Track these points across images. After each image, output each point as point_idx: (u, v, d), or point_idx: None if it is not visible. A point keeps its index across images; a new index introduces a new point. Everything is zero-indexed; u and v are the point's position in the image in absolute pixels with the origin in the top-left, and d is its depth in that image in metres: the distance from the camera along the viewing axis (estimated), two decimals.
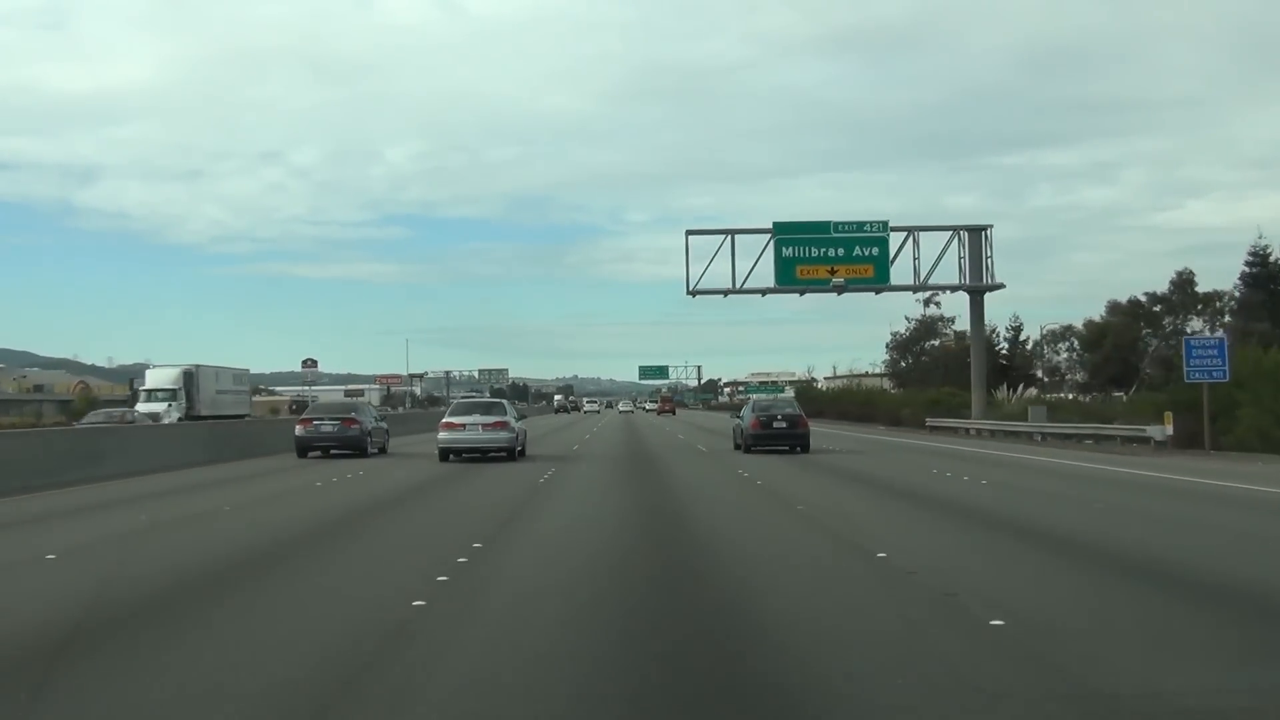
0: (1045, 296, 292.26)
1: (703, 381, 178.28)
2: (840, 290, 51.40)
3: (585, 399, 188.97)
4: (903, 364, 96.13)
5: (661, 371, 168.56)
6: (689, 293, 51.64)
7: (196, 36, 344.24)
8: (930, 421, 57.10)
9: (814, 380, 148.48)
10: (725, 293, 52.51)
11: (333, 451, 34.06)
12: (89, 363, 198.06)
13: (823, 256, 50.75)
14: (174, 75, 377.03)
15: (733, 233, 52.01)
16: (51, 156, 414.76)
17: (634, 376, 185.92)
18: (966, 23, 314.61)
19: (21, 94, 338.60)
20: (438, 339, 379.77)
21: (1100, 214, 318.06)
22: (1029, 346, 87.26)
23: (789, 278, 51.10)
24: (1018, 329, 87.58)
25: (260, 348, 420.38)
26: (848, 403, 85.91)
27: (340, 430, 34.00)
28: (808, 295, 54.11)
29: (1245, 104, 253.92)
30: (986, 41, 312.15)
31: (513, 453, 30.70)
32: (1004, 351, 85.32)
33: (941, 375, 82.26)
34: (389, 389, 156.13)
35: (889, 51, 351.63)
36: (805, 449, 34.05)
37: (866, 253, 50.90)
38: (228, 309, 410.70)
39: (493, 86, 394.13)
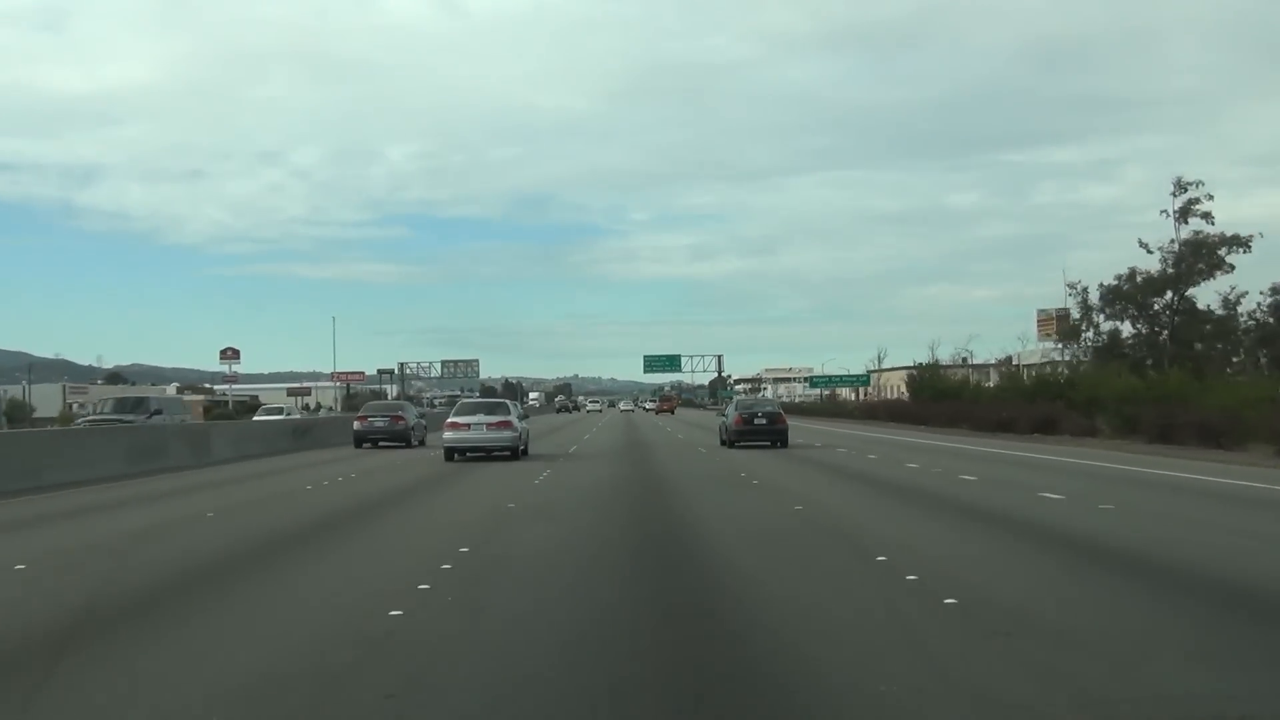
0: (1045, 295, 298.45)
1: (722, 375, 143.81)
2: None
3: (588, 398, 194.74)
4: (1095, 337, 58.56)
5: (671, 363, 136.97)
6: None
7: (196, 36, 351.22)
8: None
9: (936, 364, 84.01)
10: None
11: (381, 443, 41.35)
12: (84, 364, 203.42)
13: None
14: (174, 75, 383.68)
15: None
16: (52, 157, 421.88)
17: (636, 376, 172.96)
18: (968, 19, 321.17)
19: (21, 94, 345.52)
20: (437, 340, 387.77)
21: (1102, 211, 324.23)
22: None
23: None
24: None
25: (261, 348, 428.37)
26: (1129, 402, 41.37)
27: (389, 425, 41.60)
28: None
29: (1247, 100, 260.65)
30: (988, 38, 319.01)
31: (516, 451, 32.68)
32: None
33: (1256, 343, 53.20)
34: (349, 387, 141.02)
35: (891, 48, 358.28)
36: (784, 444, 38.11)
37: None
38: (229, 310, 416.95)
39: (494, 85, 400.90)
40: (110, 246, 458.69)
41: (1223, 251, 54.85)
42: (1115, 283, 57.31)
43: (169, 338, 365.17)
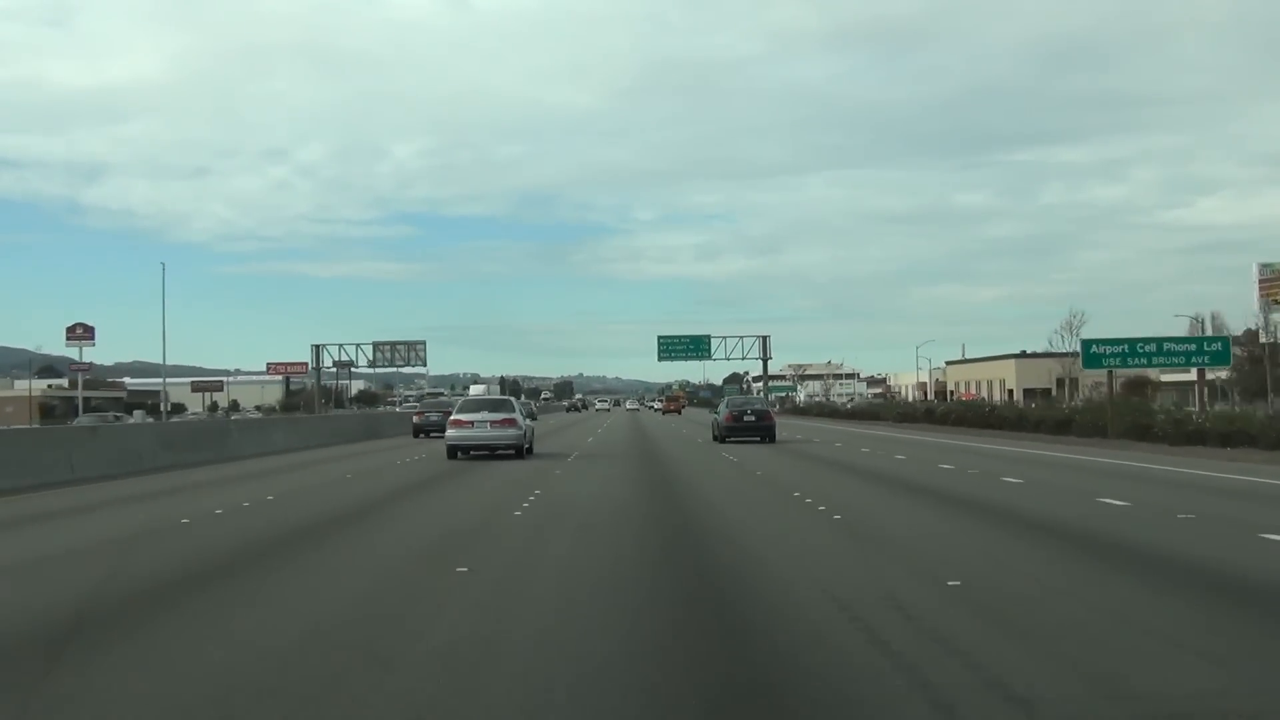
0: (1052, 295, 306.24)
1: (768, 359, 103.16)
2: None
3: (596, 397, 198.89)
4: None
5: (696, 346, 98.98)
6: None
7: (202, 32, 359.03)
8: None
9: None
10: None
11: (433, 434, 50.25)
12: (86, 360, 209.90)
13: None
14: (179, 71, 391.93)
15: None
16: (58, 154, 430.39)
17: (640, 375, 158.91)
18: (978, 18, 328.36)
19: (27, 90, 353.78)
20: (440, 338, 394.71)
21: (1109, 212, 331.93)
22: None
23: None
24: None
25: (266, 347, 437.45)
26: None
27: (442, 419, 50.23)
28: None
29: (1256, 100, 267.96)
30: (998, 37, 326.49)
31: (521, 450, 32.07)
32: None
33: None
34: (288, 381, 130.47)
35: (900, 47, 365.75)
36: (772, 439, 40.82)
37: None
38: (233, 308, 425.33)
39: (500, 82, 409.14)
40: (115, 244, 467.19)
41: None
42: None
43: (170, 335, 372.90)
